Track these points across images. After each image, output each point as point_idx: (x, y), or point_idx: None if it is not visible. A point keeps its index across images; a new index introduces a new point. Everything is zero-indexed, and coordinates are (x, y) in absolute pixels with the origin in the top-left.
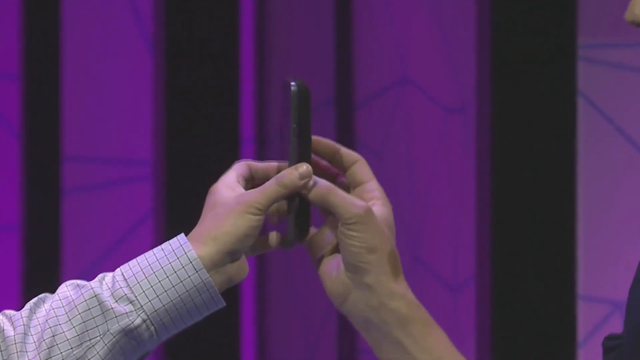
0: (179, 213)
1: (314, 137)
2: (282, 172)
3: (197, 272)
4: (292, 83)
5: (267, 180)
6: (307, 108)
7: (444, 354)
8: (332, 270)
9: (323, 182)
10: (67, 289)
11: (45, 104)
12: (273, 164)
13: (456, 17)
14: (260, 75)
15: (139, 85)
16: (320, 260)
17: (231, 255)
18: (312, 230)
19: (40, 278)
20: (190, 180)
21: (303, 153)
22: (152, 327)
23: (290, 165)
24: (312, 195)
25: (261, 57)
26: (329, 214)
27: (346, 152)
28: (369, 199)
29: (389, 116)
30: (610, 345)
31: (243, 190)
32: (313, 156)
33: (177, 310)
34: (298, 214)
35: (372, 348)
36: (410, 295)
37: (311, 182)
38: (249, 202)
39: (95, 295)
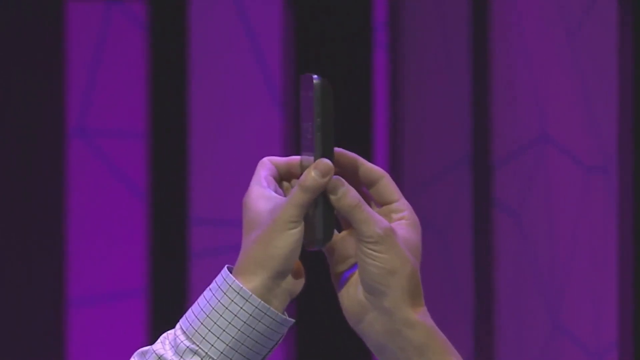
0: None
1: (337, 149)
2: (303, 175)
3: (247, 300)
4: (315, 76)
5: (291, 175)
6: (330, 101)
7: None
8: (349, 287)
9: (353, 194)
10: None
11: (172, 165)
12: (295, 159)
13: (597, 71)
14: (394, 134)
15: (268, 146)
16: (339, 274)
17: (283, 274)
18: (336, 234)
19: None
20: None
21: (326, 147)
22: None
23: (315, 160)
24: (339, 205)
25: (395, 115)
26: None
27: (370, 167)
28: (397, 219)
29: (527, 176)
30: None
31: (275, 196)
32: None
33: (243, 343)
34: (324, 214)
35: None
36: (429, 321)
37: (343, 189)
38: (283, 219)
39: (159, 358)
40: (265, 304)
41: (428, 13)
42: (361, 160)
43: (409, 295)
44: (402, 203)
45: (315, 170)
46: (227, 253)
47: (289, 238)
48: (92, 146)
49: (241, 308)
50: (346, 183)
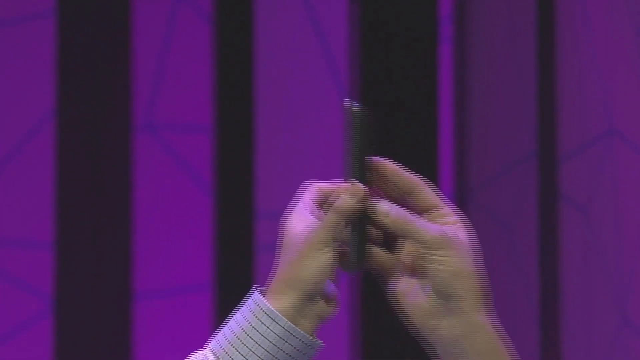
0: None
1: (378, 159)
2: (336, 198)
3: (274, 321)
4: (355, 104)
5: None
6: (367, 128)
7: None
8: (414, 297)
9: (398, 209)
10: None
11: (238, 159)
12: (342, 185)
13: None
14: (459, 128)
15: (334, 142)
16: (395, 288)
17: (313, 297)
18: (382, 255)
19: None
20: None
21: (359, 172)
22: None
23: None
24: (391, 223)
25: (460, 109)
26: (400, 239)
27: (409, 175)
28: (450, 224)
29: (594, 170)
30: None
31: (311, 219)
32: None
33: None
34: (359, 239)
35: None
36: (497, 324)
37: (386, 208)
38: (314, 240)
39: None
40: (293, 325)
41: (494, 6)
42: (401, 170)
43: (482, 295)
44: (450, 208)
45: (348, 193)
46: None
47: (319, 260)
48: (158, 140)
49: (268, 328)
50: (388, 202)
